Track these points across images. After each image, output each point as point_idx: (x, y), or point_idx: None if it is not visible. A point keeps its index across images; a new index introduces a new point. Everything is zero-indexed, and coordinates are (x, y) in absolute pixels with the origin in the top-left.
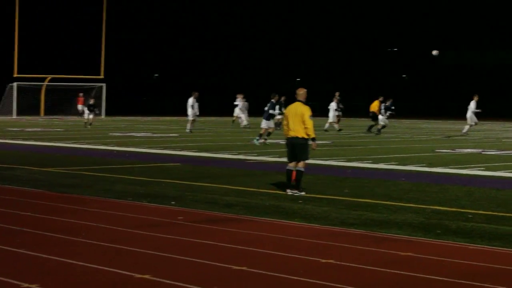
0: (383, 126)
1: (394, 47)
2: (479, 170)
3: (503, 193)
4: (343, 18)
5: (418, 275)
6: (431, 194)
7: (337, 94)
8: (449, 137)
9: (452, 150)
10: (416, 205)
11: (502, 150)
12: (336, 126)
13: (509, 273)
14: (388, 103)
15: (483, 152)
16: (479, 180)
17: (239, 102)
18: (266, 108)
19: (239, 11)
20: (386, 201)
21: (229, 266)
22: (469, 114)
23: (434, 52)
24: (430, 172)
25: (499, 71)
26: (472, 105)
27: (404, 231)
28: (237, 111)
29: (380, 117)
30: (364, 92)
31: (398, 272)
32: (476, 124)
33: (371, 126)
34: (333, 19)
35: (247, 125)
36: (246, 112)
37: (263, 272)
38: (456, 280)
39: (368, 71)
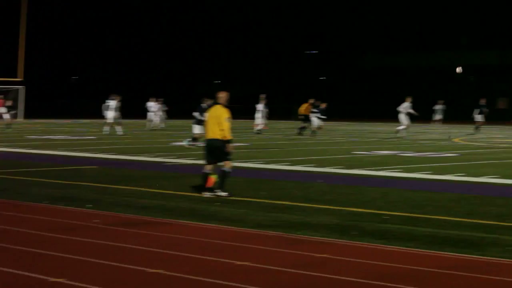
0: (304, 128)
1: (313, 50)
2: (395, 171)
3: (419, 194)
4: (263, 20)
5: (333, 276)
6: (347, 196)
7: (261, 96)
8: (395, 138)
9: (369, 152)
10: (333, 207)
11: (418, 152)
12: (259, 127)
13: (423, 274)
14: (321, 106)
15: (399, 154)
16: (395, 181)
17: (152, 105)
18: (195, 114)
19: (157, 14)
20: (303, 203)
21: (145, 269)
22: (402, 115)
23: (458, 69)
24: (347, 174)
25: (416, 74)
26: (405, 106)
27: (320, 233)
28: (150, 115)
29: (314, 119)
30: (284, 94)
31: (313, 274)
32: (407, 126)
33: (302, 128)
34: (252, 21)
35: (158, 127)
36: (161, 114)
37: (179, 275)
38: (371, 282)
39: (287, 74)
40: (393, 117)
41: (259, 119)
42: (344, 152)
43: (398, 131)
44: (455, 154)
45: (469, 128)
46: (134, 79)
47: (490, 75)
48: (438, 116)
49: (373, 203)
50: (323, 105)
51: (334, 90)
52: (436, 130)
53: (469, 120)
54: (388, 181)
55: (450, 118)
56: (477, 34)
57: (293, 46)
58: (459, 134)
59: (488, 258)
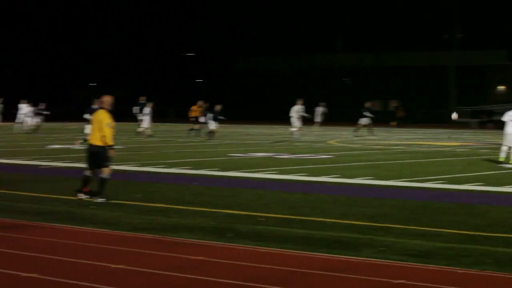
0: (192, 129)
1: (190, 52)
2: (271, 173)
3: (294, 196)
4: (141, 22)
5: (209, 279)
6: (223, 198)
7: (141, 98)
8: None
9: (245, 154)
10: (208, 209)
11: (294, 154)
12: (141, 129)
13: (299, 275)
14: (216, 108)
15: (275, 156)
16: (270, 183)
17: (24, 107)
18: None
19: (36, 14)
20: (178, 205)
21: (18, 273)
22: (294, 118)
23: (454, 116)
24: (222, 176)
25: (294, 76)
26: (296, 109)
27: (196, 235)
28: (21, 117)
29: (210, 121)
30: (161, 97)
31: (189, 276)
32: (299, 128)
33: (192, 130)
34: (130, 23)
35: (30, 129)
36: (32, 116)
37: (54, 279)
38: (247, 283)
39: (164, 76)
40: (276, 119)
41: (146, 122)
42: (220, 155)
43: (292, 133)
44: (330, 156)
45: (346, 130)
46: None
47: (365, 76)
48: (318, 118)
49: (249, 205)
50: (218, 107)
51: (210, 93)
52: (314, 132)
53: (348, 122)
54: (263, 183)
55: (332, 120)
56: (352, 37)
57: (170, 49)
58: (335, 136)
59: (362, 258)
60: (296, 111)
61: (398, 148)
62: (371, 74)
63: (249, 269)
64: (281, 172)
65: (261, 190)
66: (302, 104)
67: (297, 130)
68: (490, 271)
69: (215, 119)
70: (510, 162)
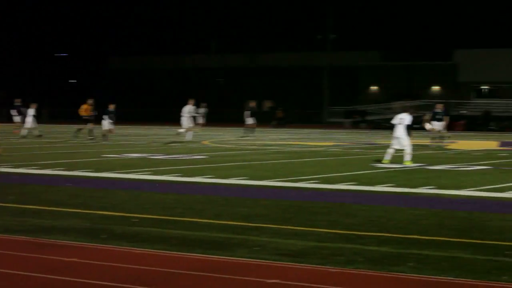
0: (80, 129)
1: (63, 52)
2: (146, 174)
3: (169, 197)
4: (1, 22)
5: (82, 280)
6: (97, 199)
7: (16, 100)
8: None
9: (119, 155)
10: (82, 211)
11: (169, 155)
12: (24, 132)
13: (173, 276)
14: (110, 108)
15: (149, 157)
16: (145, 184)
17: None
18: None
19: None
20: (51, 207)
21: None
22: (185, 118)
23: (428, 127)
24: (96, 177)
25: (167, 76)
26: (188, 109)
27: (69, 237)
28: None
29: (104, 122)
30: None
31: (61, 278)
32: (189, 129)
33: (79, 130)
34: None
35: None
36: None
37: None
38: (120, 285)
39: (37, 76)
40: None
41: (29, 123)
42: (94, 155)
43: (179, 134)
44: (205, 156)
45: (220, 131)
46: None
47: (240, 77)
48: (200, 120)
49: (123, 206)
50: (111, 106)
51: (84, 93)
52: (196, 133)
53: (222, 122)
54: (138, 183)
55: (208, 120)
56: (226, 38)
57: (42, 49)
58: (209, 136)
59: (236, 258)
60: (188, 111)
61: (272, 148)
62: (245, 74)
63: (123, 270)
64: (156, 173)
65: (135, 191)
66: (193, 104)
67: (185, 131)
68: (362, 270)
69: (110, 119)
70: (384, 162)
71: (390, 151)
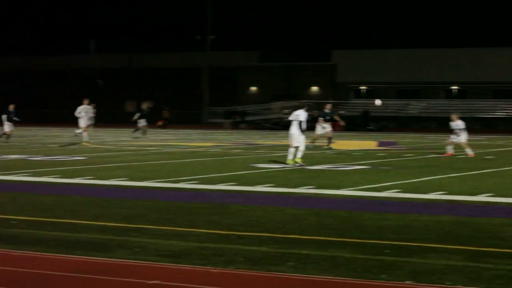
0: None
1: None
2: (24, 176)
3: (48, 198)
4: None
5: None
6: None
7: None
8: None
9: None
10: None
11: (48, 156)
12: None
13: (52, 278)
14: (10, 108)
15: (28, 158)
16: (24, 186)
17: None
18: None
19: None
20: None
21: None
22: (82, 119)
23: (378, 103)
24: None
25: (45, 77)
26: (82, 108)
27: None
28: None
29: (5, 122)
30: None
31: None
32: (85, 129)
33: None
34: None
35: None
36: None
37: None
38: None
39: None
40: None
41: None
42: None
43: (76, 135)
44: (84, 158)
45: (99, 132)
46: None
47: (119, 78)
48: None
49: (1, 208)
50: (11, 107)
51: None
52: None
53: (102, 123)
54: (16, 185)
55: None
56: (104, 38)
57: None
58: (90, 137)
59: (117, 260)
60: (84, 110)
61: (152, 149)
62: (124, 75)
63: (1, 273)
64: (35, 174)
65: (14, 192)
66: (88, 104)
67: (81, 132)
68: (242, 270)
69: (9, 119)
70: (296, 161)
71: (291, 150)
